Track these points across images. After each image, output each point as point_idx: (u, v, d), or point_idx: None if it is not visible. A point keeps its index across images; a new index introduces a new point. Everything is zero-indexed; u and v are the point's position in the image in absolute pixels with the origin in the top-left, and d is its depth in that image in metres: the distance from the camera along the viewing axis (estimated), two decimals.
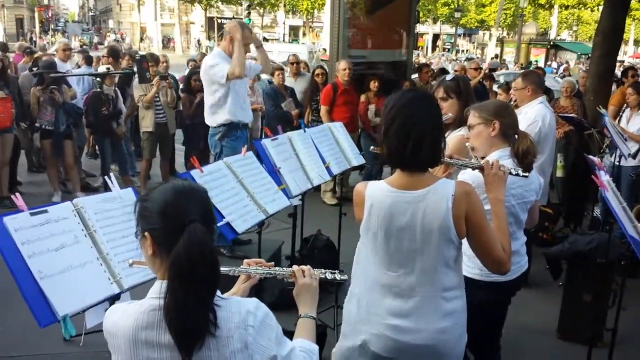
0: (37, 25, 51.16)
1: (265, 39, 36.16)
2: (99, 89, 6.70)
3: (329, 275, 1.91)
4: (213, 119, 4.96)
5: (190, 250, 1.37)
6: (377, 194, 2.19)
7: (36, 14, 53.23)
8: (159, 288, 1.44)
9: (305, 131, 4.06)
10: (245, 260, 1.94)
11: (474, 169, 2.39)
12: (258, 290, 3.66)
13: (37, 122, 6.60)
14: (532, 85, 4.49)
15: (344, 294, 2.44)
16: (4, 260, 1.95)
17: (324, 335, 3.54)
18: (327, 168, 4.04)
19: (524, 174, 2.42)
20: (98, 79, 5.64)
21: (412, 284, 2.17)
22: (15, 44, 13.88)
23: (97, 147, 7.57)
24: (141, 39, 47.15)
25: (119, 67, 7.91)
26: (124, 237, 2.30)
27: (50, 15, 63.15)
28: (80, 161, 7.49)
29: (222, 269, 1.72)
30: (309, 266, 1.88)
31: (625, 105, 6.19)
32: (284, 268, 1.89)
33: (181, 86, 8.03)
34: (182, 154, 8.14)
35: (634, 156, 5.32)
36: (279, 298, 3.82)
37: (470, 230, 2.10)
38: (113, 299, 2.16)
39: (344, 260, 4.69)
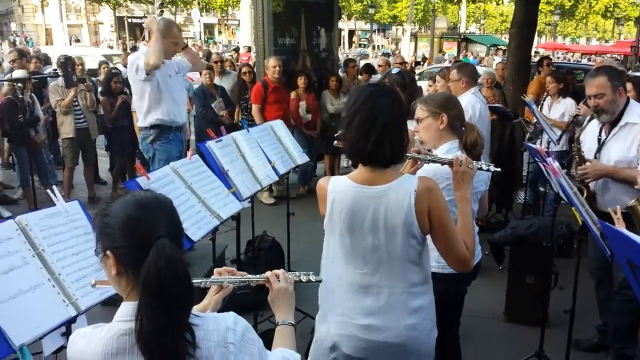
0: None
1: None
2: (12, 96, 6.24)
3: (303, 278, 1.85)
4: (145, 119, 4.72)
5: (160, 269, 1.27)
6: (339, 189, 2.15)
7: None
8: (128, 310, 1.33)
9: (248, 131, 3.96)
10: (216, 270, 1.84)
11: (442, 164, 2.39)
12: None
13: None
14: (466, 77, 4.62)
15: None
16: None
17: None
18: (273, 168, 3.96)
19: (495, 169, 2.41)
20: (19, 84, 5.22)
21: (379, 281, 2.15)
22: None
23: (13, 157, 7.06)
24: (46, 43, 44.60)
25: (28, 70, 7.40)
26: (74, 254, 2.13)
27: None
28: None
29: (195, 280, 1.64)
30: (282, 270, 1.82)
31: (545, 93, 6.51)
32: (257, 275, 1.81)
33: (100, 89, 7.63)
34: (106, 160, 7.76)
35: (558, 142, 5.60)
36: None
37: (433, 227, 2.09)
38: (69, 322, 1.99)
39: (294, 259, 4.66)
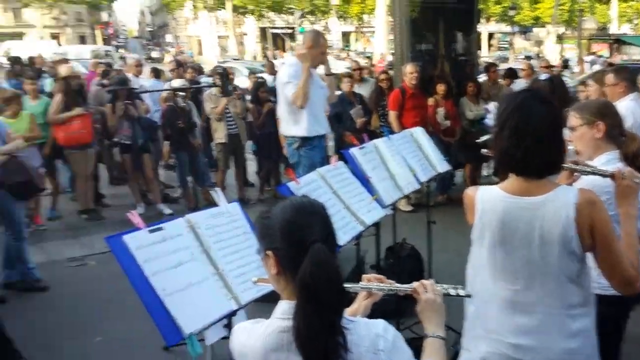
0: (101, 42, 53.35)
1: None
2: (172, 103, 6.89)
3: (452, 291, 1.81)
4: (289, 130, 4.98)
5: (315, 272, 1.33)
6: (488, 198, 2.07)
7: (97, 32, 55.52)
8: (286, 308, 1.41)
9: (389, 138, 4.00)
10: (365, 276, 1.89)
11: (603, 176, 2.23)
12: None
13: (115, 137, 6.82)
14: (625, 82, 4.26)
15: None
16: (129, 279, 1.98)
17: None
18: (414, 175, 3.96)
19: None
20: (182, 93, 5.76)
21: (533, 299, 2.03)
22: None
23: (173, 159, 7.77)
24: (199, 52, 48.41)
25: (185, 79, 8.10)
26: (235, 252, 2.31)
27: (111, 32, 65.67)
28: (158, 173, 7.70)
29: (347, 285, 1.68)
30: (431, 280, 1.81)
31: None
32: (405, 285, 1.82)
33: (248, 97, 8.13)
34: (253, 164, 8.25)
35: None
36: None
37: (596, 244, 1.95)
38: (231, 315, 2.16)
39: (435, 269, 4.59)
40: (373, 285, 1.83)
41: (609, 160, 2.51)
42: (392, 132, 4.58)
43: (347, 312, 1.75)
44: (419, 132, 4.47)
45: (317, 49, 4.73)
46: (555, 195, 1.97)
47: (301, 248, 1.37)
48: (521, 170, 2.01)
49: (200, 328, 2.02)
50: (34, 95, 6.66)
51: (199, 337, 2.04)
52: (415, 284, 1.77)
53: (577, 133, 2.63)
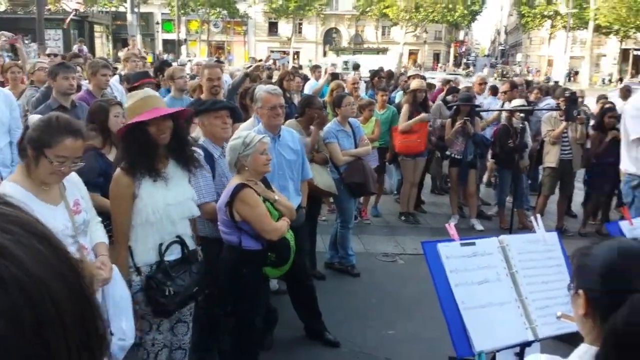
0: (452, 59, 55.99)
1: None
2: (507, 123, 6.84)
3: None
4: (628, 166, 4.44)
5: (629, 324, 1.19)
6: None
7: (451, 49, 58.36)
8: (585, 352, 1.33)
9: None
10: None
11: None
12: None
13: (448, 150, 7.14)
14: None
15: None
16: (433, 283, 2.10)
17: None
18: None
19: None
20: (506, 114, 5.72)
21: None
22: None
23: (496, 177, 7.73)
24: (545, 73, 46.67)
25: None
26: (544, 282, 2.22)
27: (463, 50, 68.31)
28: (479, 189, 7.77)
29: None
30: None
31: None
32: None
33: (592, 122, 7.49)
34: (581, 193, 7.61)
35: None
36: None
37: None
38: (525, 345, 2.09)
39: None
40: None
41: None
42: None
43: None
44: None
45: None
46: None
47: (617, 294, 1.26)
48: None
49: (492, 349, 2.02)
50: (381, 105, 7.42)
51: (488, 358, 2.04)
52: None
53: None
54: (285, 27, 51.65)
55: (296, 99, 6.94)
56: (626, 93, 9.63)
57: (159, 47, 45.07)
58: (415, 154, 7.10)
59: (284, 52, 41.12)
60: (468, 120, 6.85)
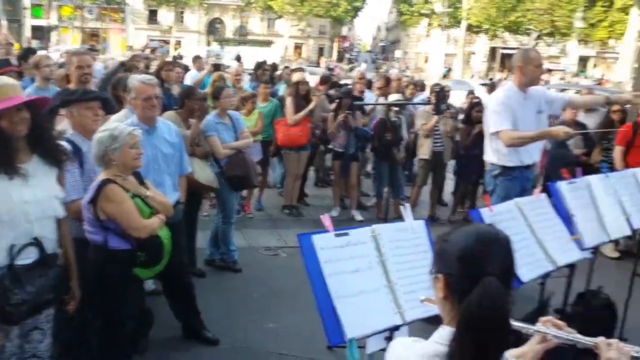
0: (335, 54, 57.08)
1: (549, 70, 34.21)
2: (384, 117, 7.11)
3: None
4: (490, 156, 4.77)
5: (480, 306, 1.29)
6: None
7: (335, 44, 59.51)
8: (445, 334, 1.39)
9: (607, 176, 3.62)
10: (542, 319, 1.75)
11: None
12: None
13: (331, 144, 7.28)
14: None
15: None
16: (308, 274, 2.13)
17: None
18: (627, 220, 3.53)
19: None
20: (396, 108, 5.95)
21: None
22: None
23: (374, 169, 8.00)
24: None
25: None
26: (410, 269, 2.33)
27: (347, 45, 69.82)
28: (360, 181, 8.02)
29: (518, 324, 1.59)
30: (617, 340, 1.61)
31: None
32: (586, 337, 1.64)
33: (461, 117, 8.00)
34: (451, 183, 8.12)
35: None
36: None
37: None
38: (393, 329, 2.18)
39: (630, 326, 4.05)
40: (550, 330, 1.69)
41: None
42: (612, 169, 4.11)
43: (513, 352, 1.66)
44: None
45: (529, 66, 4.42)
46: None
47: (473, 278, 1.34)
48: None
49: (363, 335, 2.09)
50: (264, 97, 7.38)
51: (360, 344, 2.10)
52: (598, 339, 1.59)
53: None
54: (166, 16, 49.88)
55: (176, 90, 6.71)
56: (492, 88, 10.40)
57: (27, 33, 41.61)
58: (298, 147, 7.15)
59: (165, 42, 39.71)
60: (350, 114, 7.03)
